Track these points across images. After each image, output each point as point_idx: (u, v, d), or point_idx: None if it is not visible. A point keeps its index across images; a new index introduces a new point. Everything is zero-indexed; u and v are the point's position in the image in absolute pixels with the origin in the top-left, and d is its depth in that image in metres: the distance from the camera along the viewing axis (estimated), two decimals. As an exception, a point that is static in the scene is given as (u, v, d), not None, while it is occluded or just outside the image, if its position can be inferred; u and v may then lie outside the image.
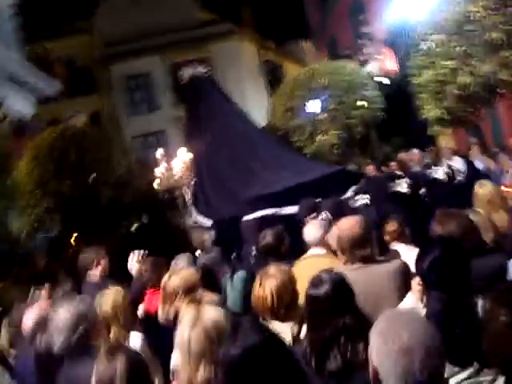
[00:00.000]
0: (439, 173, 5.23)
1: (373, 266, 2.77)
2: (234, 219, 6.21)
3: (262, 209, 6.19)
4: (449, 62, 5.36)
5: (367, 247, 2.78)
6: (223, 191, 7.20)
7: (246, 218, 6.13)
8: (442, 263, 2.15)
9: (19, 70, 12.65)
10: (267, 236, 4.02)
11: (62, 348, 2.36)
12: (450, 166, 5.43)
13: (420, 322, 1.59)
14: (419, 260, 2.26)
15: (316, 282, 2.26)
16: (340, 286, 2.23)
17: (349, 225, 2.84)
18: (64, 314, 2.46)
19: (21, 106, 12.53)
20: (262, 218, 6.04)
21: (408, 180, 5.33)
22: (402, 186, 5.22)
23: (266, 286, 2.59)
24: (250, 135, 7.82)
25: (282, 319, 2.58)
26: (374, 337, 1.59)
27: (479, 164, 7.64)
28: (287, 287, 2.61)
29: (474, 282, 2.30)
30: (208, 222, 7.17)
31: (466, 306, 2.15)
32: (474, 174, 7.19)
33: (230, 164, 7.40)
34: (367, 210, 4.87)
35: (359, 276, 2.60)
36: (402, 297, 2.52)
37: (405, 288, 2.58)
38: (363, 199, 5.09)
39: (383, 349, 1.52)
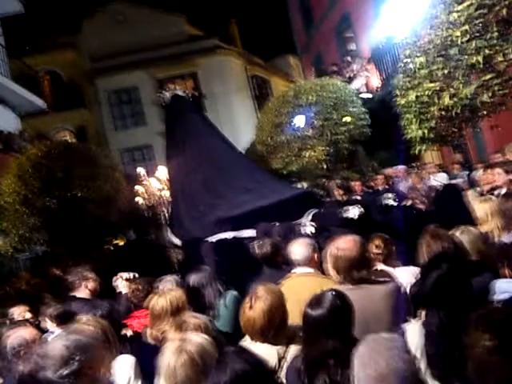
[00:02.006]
0: (353, 212, 5.41)
1: (368, 286, 2.75)
2: (200, 241, 6.27)
3: (223, 231, 6.23)
4: (432, 84, 5.46)
5: (364, 269, 2.77)
6: (193, 213, 7.23)
7: (208, 240, 6.20)
8: (448, 280, 2.15)
9: (3, 88, 12.63)
10: (265, 245, 4.12)
11: (50, 380, 2.12)
12: (363, 207, 5.62)
13: (398, 350, 1.64)
14: (423, 278, 2.25)
15: (314, 301, 2.25)
16: (337, 309, 2.20)
17: (347, 245, 2.79)
18: (59, 343, 2.21)
19: (6, 122, 12.49)
20: (220, 241, 6.11)
21: (359, 206, 5.50)
22: (353, 213, 5.39)
23: (256, 307, 2.57)
24: (223, 157, 7.83)
25: (271, 341, 2.57)
26: (356, 361, 1.67)
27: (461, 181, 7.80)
28: (277, 309, 2.59)
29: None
30: (179, 242, 7.23)
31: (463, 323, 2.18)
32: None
33: (202, 186, 7.43)
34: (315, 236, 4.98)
35: (354, 296, 2.61)
36: (396, 318, 2.52)
37: (400, 310, 2.58)
38: (307, 226, 5.26)
39: (362, 373, 1.60)
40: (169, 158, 8.91)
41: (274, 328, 2.56)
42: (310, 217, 6.18)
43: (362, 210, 5.43)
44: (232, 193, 6.97)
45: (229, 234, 6.19)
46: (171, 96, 9.07)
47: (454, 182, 7.43)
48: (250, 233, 5.88)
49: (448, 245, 2.78)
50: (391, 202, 6.33)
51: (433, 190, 7.50)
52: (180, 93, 9.28)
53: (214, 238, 6.19)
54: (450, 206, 4.87)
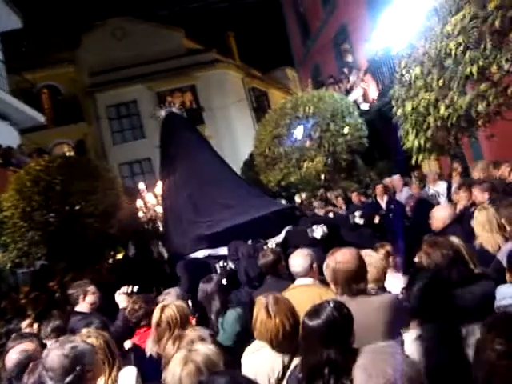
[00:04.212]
0: (318, 232, 5.65)
1: (363, 298, 2.74)
2: (181, 257, 6.36)
3: (201, 249, 6.31)
4: (428, 95, 5.52)
5: (362, 281, 2.76)
6: (178, 229, 7.29)
7: (188, 257, 6.30)
8: (425, 293, 2.24)
9: (2, 103, 12.71)
10: (267, 254, 4.25)
11: None
12: (331, 226, 5.92)
13: (400, 355, 1.66)
14: (406, 291, 2.34)
15: (312, 311, 2.27)
16: (333, 319, 2.20)
17: (345, 258, 2.78)
18: (59, 352, 2.24)
19: (5, 137, 12.54)
20: (193, 259, 6.21)
21: (322, 226, 5.72)
22: (317, 232, 5.62)
23: (277, 315, 2.63)
24: (208, 174, 7.83)
25: (279, 349, 2.62)
26: (359, 372, 1.65)
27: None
28: (293, 316, 2.66)
29: (462, 310, 2.35)
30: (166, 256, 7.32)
31: (454, 333, 2.21)
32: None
33: (186, 202, 7.48)
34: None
35: (351, 307, 2.61)
36: (391, 330, 2.52)
37: (395, 322, 2.57)
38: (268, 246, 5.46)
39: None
40: (161, 175, 8.98)
41: (289, 337, 2.60)
42: (283, 234, 6.37)
43: (325, 229, 5.66)
44: (213, 210, 7.01)
45: (204, 252, 6.28)
46: (166, 114, 9.15)
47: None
48: (225, 250, 5.97)
49: (447, 252, 2.78)
50: (358, 221, 6.52)
51: (433, 199, 7.55)
52: (174, 110, 9.36)
53: (189, 256, 6.29)
54: (423, 220, 4.94)
